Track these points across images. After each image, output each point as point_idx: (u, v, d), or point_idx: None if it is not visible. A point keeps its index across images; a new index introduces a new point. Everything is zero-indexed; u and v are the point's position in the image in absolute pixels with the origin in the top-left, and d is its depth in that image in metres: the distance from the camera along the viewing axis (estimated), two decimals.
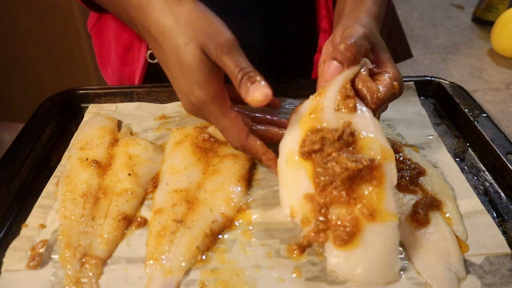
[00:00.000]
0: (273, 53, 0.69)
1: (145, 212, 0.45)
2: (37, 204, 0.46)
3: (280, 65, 0.71)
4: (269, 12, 0.67)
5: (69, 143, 0.55)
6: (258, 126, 0.50)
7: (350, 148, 0.39)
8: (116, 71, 0.72)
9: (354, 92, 0.41)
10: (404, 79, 0.65)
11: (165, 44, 0.44)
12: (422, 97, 0.64)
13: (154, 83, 0.70)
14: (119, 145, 0.53)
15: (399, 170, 0.47)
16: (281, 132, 0.49)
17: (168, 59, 0.45)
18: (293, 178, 0.41)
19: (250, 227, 0.43)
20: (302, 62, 0.72)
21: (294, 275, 0.39)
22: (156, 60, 0.65)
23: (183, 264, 0.39)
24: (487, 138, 0.52)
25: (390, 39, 0.89)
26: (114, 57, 0.71)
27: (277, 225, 0.44)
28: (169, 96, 0.64)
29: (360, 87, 0.42)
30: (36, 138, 0.54)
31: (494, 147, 0.50)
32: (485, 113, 0.57)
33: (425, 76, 0.66)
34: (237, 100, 0.46)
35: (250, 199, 0.47)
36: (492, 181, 0.50)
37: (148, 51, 0.65)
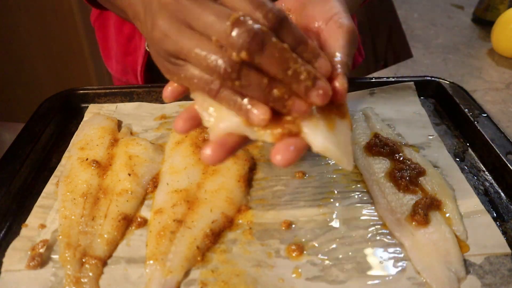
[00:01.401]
0: None
1: (145, 212, 0.45)
2: (37, 204, 0.46)
3: None
4: None
5: (69, 143, 0.55)
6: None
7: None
8: (120, 61, 0.73)
9: None
10: (404, 79, 0.65)
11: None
12: (422, 97, 0.64)
13: (156, 72, 0.71)
14: (119, 145, 0.53)
15: (399, 170, 0.48)
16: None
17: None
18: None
19: (250, 227, 0.43)
20: None
21: (294, 275, 0.39)
22: None
23: (183, 264, 0.39)
24: (487, 138, 0.52)
25: (390, 39, 0.89)
26: (117, 47, 0.72)
27: (277, 225, 0.44)
28: None
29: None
30: (36, 138, 0.54)
31: (494, 147, 0.50)
32: (485, 113, 0.57)
33: (425, 76, 0.66)
34: None
35: (250, 199, 0.47)
36: (492, 181, 0.50)
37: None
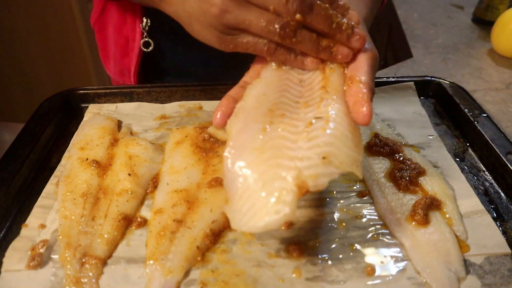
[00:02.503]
0: None
1: (145, 212, 0.45)
2: (37, 204, 0.46)
3: None
4: None
5: (69, 143, 0.55)
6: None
7: None
8: (118, 63, 0.73)
9: None
10: (404, 79, 0.65)
11: None
12: (422, 97, 0.64)
13: (150, 72, 0.71)
14: (119, 145, 0.53)
15: (399, 170, 0.48)
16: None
17: None
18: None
19: None
20: None
21: (294, 275, 0.39)
22: (150, 48, 0.66)
23: (183, 264, 0.39)
24: (487, 138, 0.52)
25: (390, 39, 0.89)
26: (115, 49, 0.72)
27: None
28: (169, 96, 0.64)
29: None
30: (36, 138, 0.54)
31: (494, 147, 0.50)
32: (485, 113, 0.57)
33: (425, 76, 0.66)
34: None
35: None
36: (492, 181, 0.50)
37: (142, 40, 0.66)
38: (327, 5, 0.38)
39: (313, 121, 0.37)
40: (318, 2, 0.38)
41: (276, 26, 0.38)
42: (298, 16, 0.37)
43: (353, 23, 0.39)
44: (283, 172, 0.34)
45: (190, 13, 0.42)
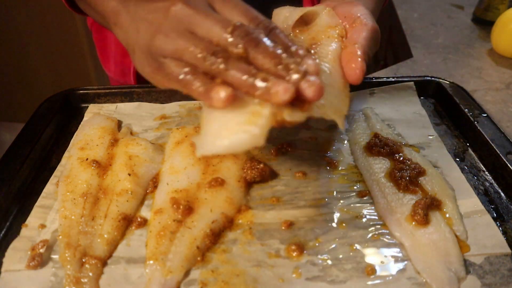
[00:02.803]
0: None
1: (145, 212, 0.45)
2: (37, 204, 0.46)
3: None
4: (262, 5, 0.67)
5: (69, 143, 0.55)
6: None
7: None
8: (119, 63, 0.73)
9: None
10: (404, 79, 0.65)
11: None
12: (422, 97, 0.64)
13: None
14: (119, 145, 0.53)
15: (399, 170, 0.48)
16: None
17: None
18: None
19: (250, 227, 0.43)
20: None
21: (294, 275, 0.39)
22: None
23: (183, 264, 0.39)
24: (487, 138, 0.52)
25: (390, 39, 0.89)
26: (116, 49, 0.72)
27: (277, 225, 0.44)
28: (169, 96, 0.64)
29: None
30: (36, 138, 0.54)
31: (494, 147, 0.50)
32: (485, 113, 0.57)
33: (425, 76, 0.66)
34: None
35: (250, 199, 0.47)
36: (492, 181, 0.50)
37: None
38: (277, 45, 0.33)
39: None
40: (268, 41, 0.33)
41: (209, 52, 0.33)
42: (240, 47, 0.33)
43: (308, 69, 0.32)
44: (260, 103, 0.33)
45: (136, 39, 0.39)
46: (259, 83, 0.31)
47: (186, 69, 0.35)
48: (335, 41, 0.43)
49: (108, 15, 0.43)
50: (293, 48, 0.33)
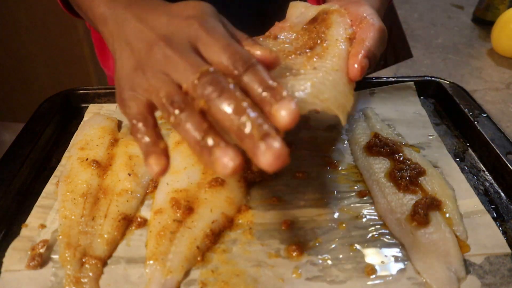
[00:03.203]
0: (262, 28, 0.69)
1: (145, 212, 0.45)
2: (37, 204, 0.46)
3: None
4: (260, 12, 0.67)
5: (69, 143, 0.55)
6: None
7: None
8: None
9: None
10: (404, 79, 0.65)
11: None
12: (422, 97, 0.64)
13: None
14: (119, 145, 0.53)
15: (399, 170, 0.48)
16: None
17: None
18: None
19: (250, 227, 0.43)
20: None
21: (294, 275, 0.39)
22: None
23: (183, 264, 0.39)
24: (487, 138, 0.52)
25: (390, 39, 0.89)
26: None
27: (277, 225, 0.44)
28: None
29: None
30: (36, 138, 0.54)
31: (494, 147, 0.50)
32: (485, 113, 0.57)
33: (425, 76, 0.66)
34: None
35: (250, 199, 0.47)
36: (492, 181, 0.50)
37: None
38: (241, 99, 0.28)
39: (308, 67, 0.39)
40: (232, 91, 0.29)
41: (168, 100, 0.31)
42: (201, 101, 0.29)
43: (271, 132, 0.27)
44: None
45: (119, 60, 0.37)
46: (205, 148, 0.28)
47: (138, 117, 0.33)
48: (344, 40, 0.43)
49: (97, 21, 0.43)
50: (273, 85, 0.30)
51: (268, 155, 0.26)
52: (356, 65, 0.40)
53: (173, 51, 0.33)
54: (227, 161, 0.27)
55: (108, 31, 0.40)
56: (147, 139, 0.32)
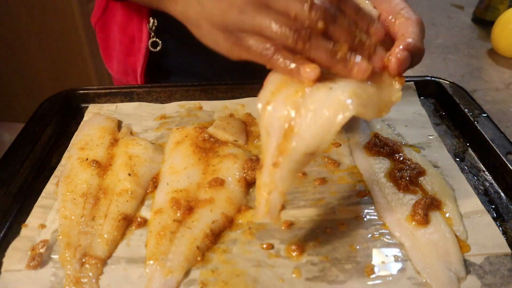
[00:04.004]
0: None
1: (145, 212, 0.45)
2: (37, 204, 0.46)
3: None
4: None
5: (69, 143, 0.55)
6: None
7: None
8: (122, 62, 0.73)
9: None
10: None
11: None
12: (422, 97, 0.64)
13: (155, 72, 0.71)
14: (119, 145, 0.53)
15: (399, 170, 0.48)
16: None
17: None
18: None
19: (250, 227, 0.43)
20: None
21: (294, 275, 0.39)
22: (158, 48, 0.66)
23: (183, 264, 0.39)
24: (487, 138, 0.52)
25: None
26: (119, 48, 0.72)
27: (277, 225, 0.44)
28: (169, 96, 0.64)
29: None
30: (36, 138, 0.54)
31: (494, 147, 0.50)
32: (485, 113, 0.57)
33: (425, 76, 0.66)
34: None
35: (250, 199, 0.47)
36: (492, 181, 0.50)
37: (150, 40, 0.66)
38: (351, 18, 0.37)
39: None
40: (343, 15, 0.36)
41: (292, 29, 0.35)
42: (320, 24, 0.35)
43: (376, 43, 0.38)
44: None
45: (201, 13, 0.40)
46: (340, 60, 0.36)
47: (269, 45, 0.36)
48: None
49: None
50: (362, 14, 0.37)
51: (380, 61, 0.37)
52: (393, 59, 0.38)
53: None
54: (364, 64, 0.35)
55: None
56: (285, 60, 0.36)
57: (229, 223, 0.43)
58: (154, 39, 0.66)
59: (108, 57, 0.78)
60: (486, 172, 0.51)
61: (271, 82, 0.38)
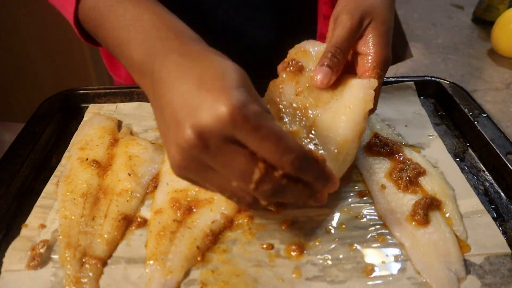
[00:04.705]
0: (280, 43, 0.69)
1: (145, 212, 0.45)
2: (37, 204, 0.46)
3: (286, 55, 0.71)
4: (275, 3, 0.67)
5: (69, 143, 0.55)
6: None
7: None
8: None
9: None
10: (404, 79, 0.65)
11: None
12: (422, 97, 0.64)
13: None
14: (119, 145, 0.53)
15: (399, 170, 0.48)
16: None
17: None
18: None
19: (250, 227, 0.43)
20: None
21: (294, 275, 0.39)
22: None
23: (183, 264, 0.39)
24: (487, 138, 0.52)
25: None
26: None
27: (277, 225, 0.44)
28: None
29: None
30: (36, 138, 0.54)
31: (494, 147, 0.50)
32: (485, 113, 0.57)
33: (425, 76, 0.66)
34: None
35: None
36: (492, 181, 0.50)
37: None
38: (299, 188, 0.34)
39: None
40: (291, 185, 0.33)
41: (233, 196, 0.34)
42: (264, 203, 0.33)
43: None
44: None
45: (165, 130, 0.35)
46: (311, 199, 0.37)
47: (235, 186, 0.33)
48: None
49: (132, 68, 0.39)
50: (324, 178, 0.35)
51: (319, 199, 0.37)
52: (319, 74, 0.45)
53: (216, 154, 0.31)
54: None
55: (146, 87, 0.37)
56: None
57: (229, 223, 0.43)
58: None
59: (114, 66, 0.76)
60: (486, 172, 0.51)
61: None
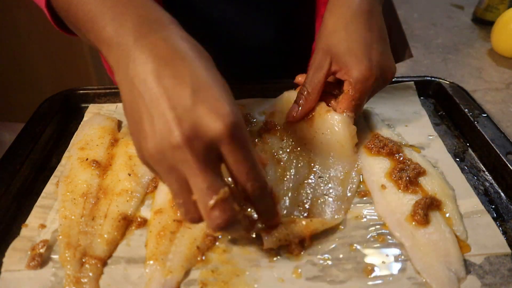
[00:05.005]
0: (279, 43, 0.69)
1: (145, 212, 0.45)
2: (37, 204, 0.46)
3: (288, 54, 0.71)
4: (275, 4, 0.67)
5: (69, 143, 0.55)
6: None
7: None
8: None
9: None
10: (404, 79, 0.65)
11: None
12: (422, 97, 0.64)
13: None
14: (119, 145, 0.53)
15: (399, 170, 0.48)
16: None
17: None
18: None
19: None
20: (309, 51, 0.72)
21: (294, 275, 0.39)
22: None
23: (183, 264, 0.39)
24: (487, 138, 0.52)
25: (390, 39, 0.89)
26: None
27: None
28: None
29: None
30: (36, 138, 0.54)
31: (494, 147, 0.50)
32: (485, 113, 0.57)
33: (425, 76, 0.66)
34: None
35: None
36: (492, 181, 0.50)
37: None
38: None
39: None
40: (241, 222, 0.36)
41: (187, 213, 0.34)
42: (210, 231, 0.37)
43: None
44: None
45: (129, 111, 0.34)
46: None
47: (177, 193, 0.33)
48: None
49: (101, 45, 0.36)
50: (272, 211, 0.38)
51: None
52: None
53: (194, 160, 0.30)
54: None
55: (115, 61, 0.35)
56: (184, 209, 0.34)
57: None
58: None
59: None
60: (486, 172, 0.51)
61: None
